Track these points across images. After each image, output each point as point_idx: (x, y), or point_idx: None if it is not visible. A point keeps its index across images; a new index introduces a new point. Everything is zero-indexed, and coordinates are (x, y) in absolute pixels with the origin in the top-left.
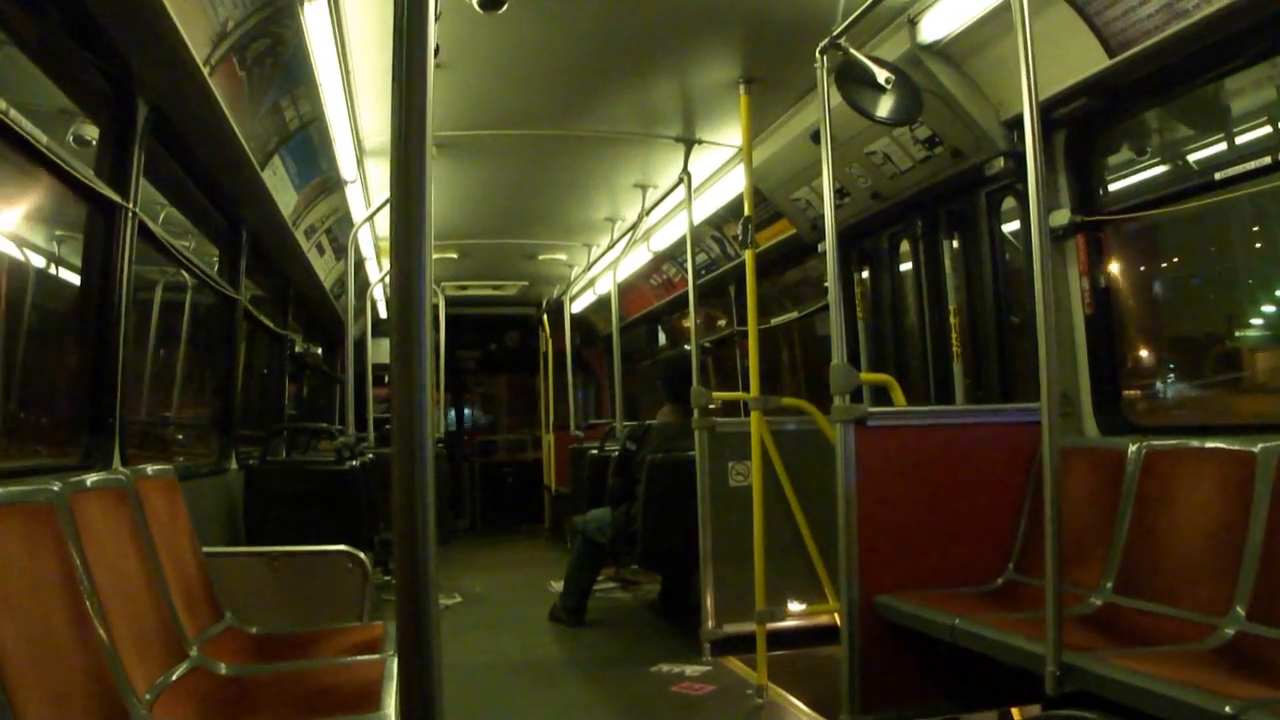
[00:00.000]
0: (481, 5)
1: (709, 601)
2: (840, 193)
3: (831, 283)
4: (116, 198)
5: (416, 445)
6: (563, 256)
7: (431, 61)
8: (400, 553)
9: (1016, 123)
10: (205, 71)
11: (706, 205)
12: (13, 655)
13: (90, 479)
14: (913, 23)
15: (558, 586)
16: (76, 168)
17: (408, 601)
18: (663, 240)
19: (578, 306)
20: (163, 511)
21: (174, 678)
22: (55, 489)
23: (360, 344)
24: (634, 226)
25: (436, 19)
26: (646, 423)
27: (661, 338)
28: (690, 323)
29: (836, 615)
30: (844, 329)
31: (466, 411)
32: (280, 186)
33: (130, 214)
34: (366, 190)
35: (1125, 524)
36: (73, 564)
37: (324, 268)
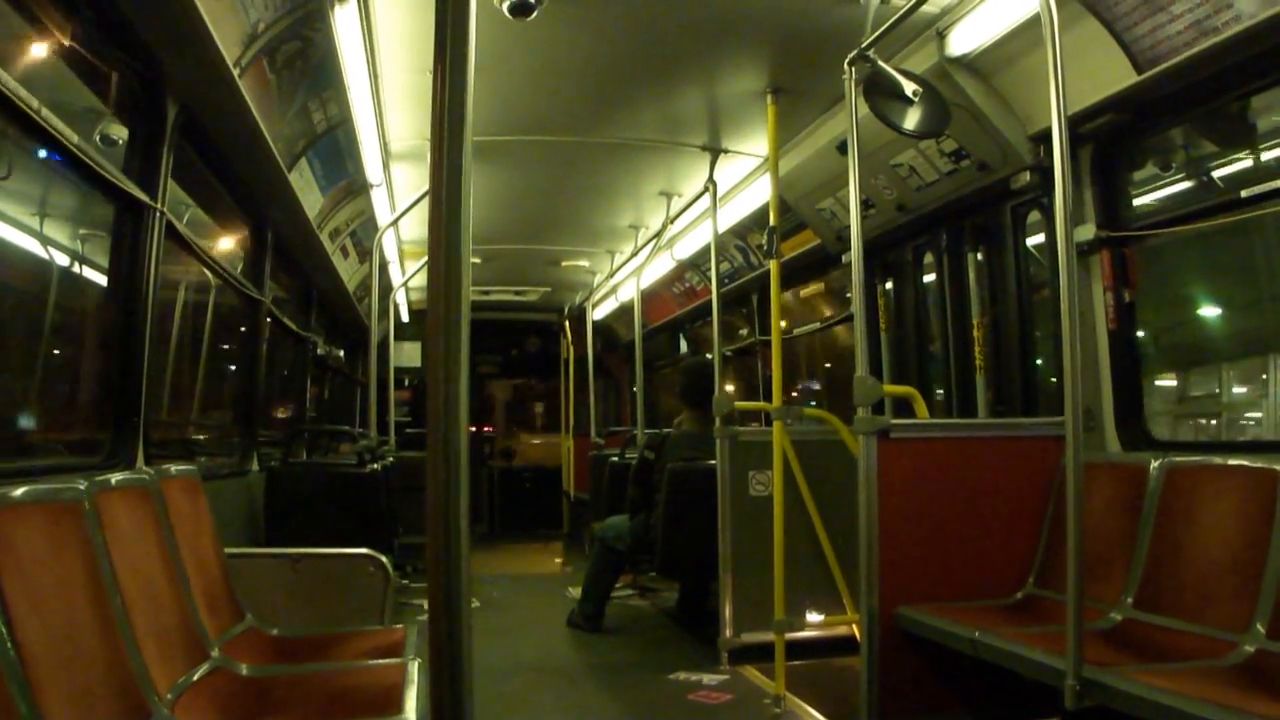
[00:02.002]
0: (511, 11)
1: (727, 610)
2: (865, 204)
3: (856, 294)
4: (145, 198)
5: (452, 450)
6: (586, 263)
7: (472, 64)
8: (433, 557)
9: (1043, 137)
10: (235, 73)
11: (731, 214)
12: (38, 652)
13: (115, 478)
14: (941, 36)
15: (575, 593)
16: (106, 167)
17: (440, 607)
18: (686, 248)
19: (600, 313)
20: (186, 511)
21: (195, 678)
22: (81, 487)
23: (382, 347)
24: (658, 234)
25: None
26: (665, 431)
27: (683, 345)
28: (713, 331)
29: (855, 626)
30: (868, 341)
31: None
32: (306, 189)
33: (158, 214)
34: (392, 194)
35: (1146, 540)
36: (97, 562)
37: (347, 270)
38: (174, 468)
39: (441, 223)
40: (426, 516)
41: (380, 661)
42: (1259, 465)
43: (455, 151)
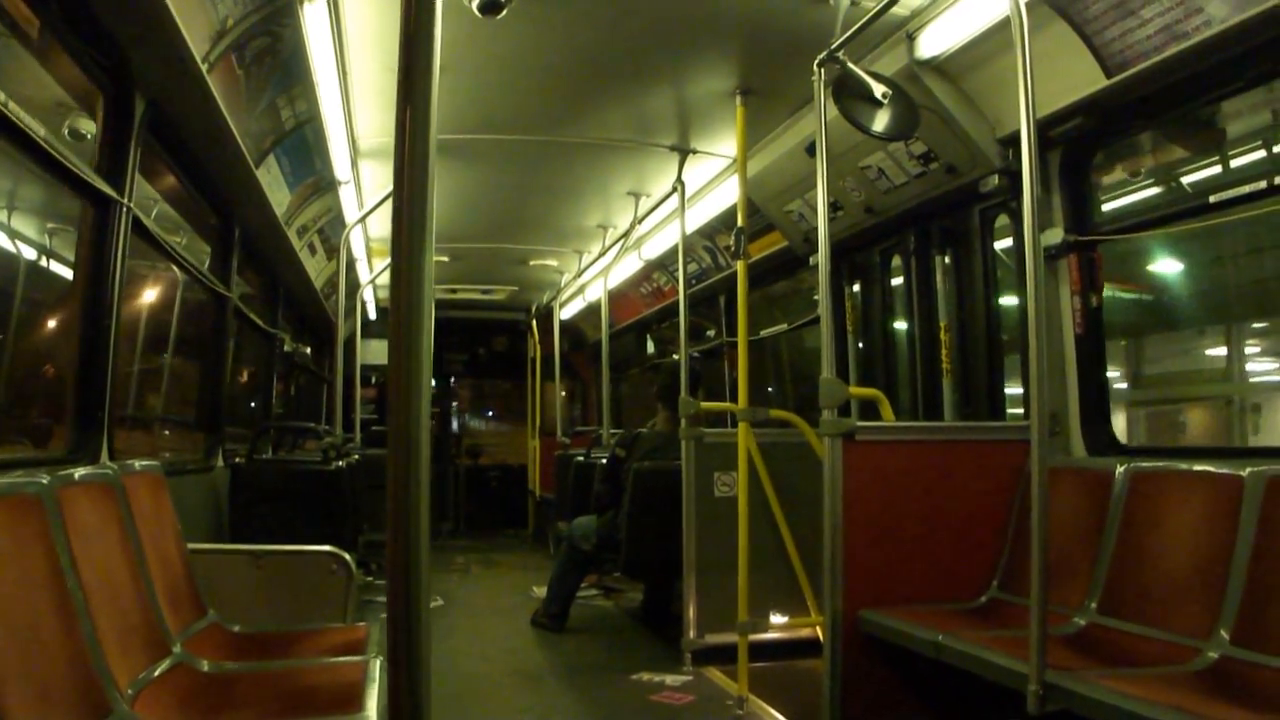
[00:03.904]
0: (480, 10)
1: (691, 611)
2: (833, 206)
3: (823, 296)
4: (112, 193)
5: (412, 447)
6: (553, 262)
7: (437, 64)
8: (392, 555)
9: (1012, 140)
10: (204, 68)
11: (699, 215)
12: None
13: (78, 473)
14: (911, 38)
15: (540, 592)
16: (73, 162)
17: (399, 605)
18: (654, 248)
19: (567, 313)
20: (149, 507)
21: (156, 674)
22: (43, 482)
23: (349, 345)
24: (626, 234)
25: None
26: (637, 430)
27: (650, 346)
28: (680, 332)
29: (819, 628)
30: (834, 343)
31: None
32: (274, 185)
33: (125, 209)
34: (360, 191)
35: (1110, 545)
36: (59, 558)
37: (315, 268)
38: (138, 463)
39: (404, 221)
40: (386, 514)
41: (342, 659)
42: (1223, 471)
43: (419, 149)
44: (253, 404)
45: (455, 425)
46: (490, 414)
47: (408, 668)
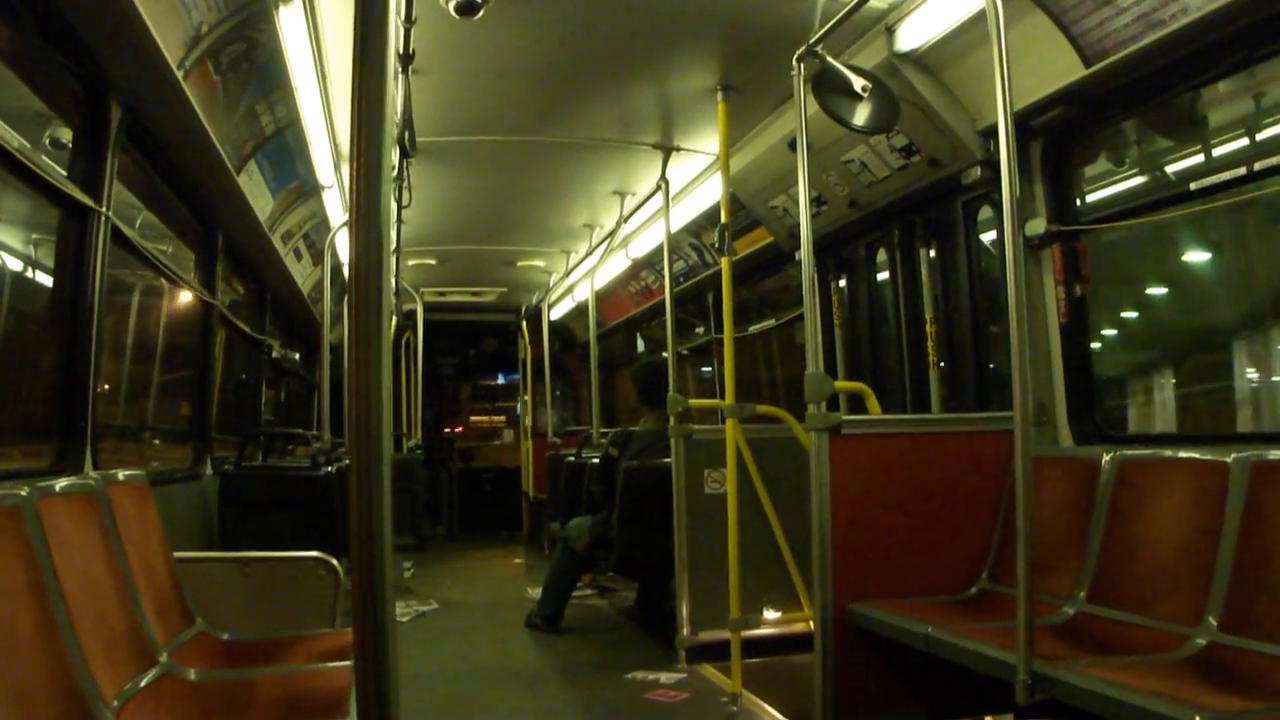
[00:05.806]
0: (458, 10)
1: (684, 609)
2: (817, 201)
3: (807, 291)
4: (89, 201)
5: (374, 452)
6: (541, 263)
7: (392, 67)
8: (357, 560)
9: (992, 132)
10: (179, 75)
11: (684, 212)
12: None
13: (59, 484)
14: (890, 31)
15: (534, 593)
16: (48, 171)
17: (365, 608)
18: (641, 247)
19: (556, 313)
20: (133, 517)
21: (142, 684)
22: (23, 494)
23: (337, 349)
24: (612, 233)
25: (413, 24)
26: (629, 429)
27: (639, 345)
28: (667, 330)
29: (811, 623)
30: (820, 337)
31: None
32: (256, 191)
33: (103, 218)
34: (344, 195)
35: (1098, 534)
36: (40, 569)
37: (301, 273)
38: (121, 473)
39: (360, 228)
40: (350, 523)
41: (330, 665)
42: (1209, 457)
43: (373, 155)
44: (241, 411)
45: (447, 428)
46: (482, 416)
47: (374, 669)
